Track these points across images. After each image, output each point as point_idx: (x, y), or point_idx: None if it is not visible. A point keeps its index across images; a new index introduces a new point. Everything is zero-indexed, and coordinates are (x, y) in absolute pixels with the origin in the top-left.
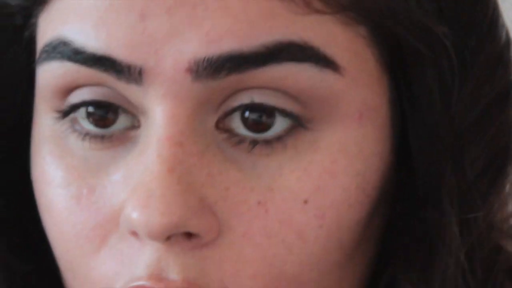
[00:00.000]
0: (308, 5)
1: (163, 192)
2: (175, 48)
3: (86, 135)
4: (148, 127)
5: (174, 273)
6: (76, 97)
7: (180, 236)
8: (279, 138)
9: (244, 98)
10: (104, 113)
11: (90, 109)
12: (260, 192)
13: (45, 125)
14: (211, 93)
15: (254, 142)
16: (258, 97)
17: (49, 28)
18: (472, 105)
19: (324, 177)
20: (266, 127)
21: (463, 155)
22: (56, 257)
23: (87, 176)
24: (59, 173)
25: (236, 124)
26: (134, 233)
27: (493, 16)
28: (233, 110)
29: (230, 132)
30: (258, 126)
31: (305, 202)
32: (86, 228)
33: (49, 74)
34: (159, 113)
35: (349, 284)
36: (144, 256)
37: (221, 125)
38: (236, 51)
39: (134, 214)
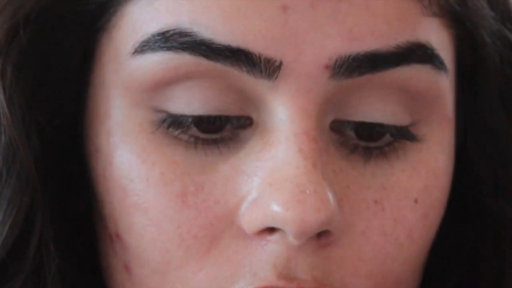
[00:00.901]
0: (430, 7)
1: (315, 187)
2: (317, 43)
3: (191, 136)
4: (273, 123)
5: (303, 273)
6: (182, 102)
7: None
8: (388, 144)
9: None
10: (212, 123)
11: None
12: (376, 190)
13: (132, 119)
14: (339, 92)
15: (356, 146)
16: (371, 109)
17: (154, 16)
18: None
19: (430, 177)
20: (376, 138)
21: None
22: (138, 261)
23: (192, 173)
24: (158, 169)
25: (347, 129)
26: (257, 233)
27: None
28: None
29: (341, 133)
30: (368, 137)
31: (416, 201)
32: (193, 228)
33: (155, 65)
34: (291, 108)
35: (418, 285)
36: (269, 256)
37: (333, 125)
38: (376, 51)
39: (286, 211)
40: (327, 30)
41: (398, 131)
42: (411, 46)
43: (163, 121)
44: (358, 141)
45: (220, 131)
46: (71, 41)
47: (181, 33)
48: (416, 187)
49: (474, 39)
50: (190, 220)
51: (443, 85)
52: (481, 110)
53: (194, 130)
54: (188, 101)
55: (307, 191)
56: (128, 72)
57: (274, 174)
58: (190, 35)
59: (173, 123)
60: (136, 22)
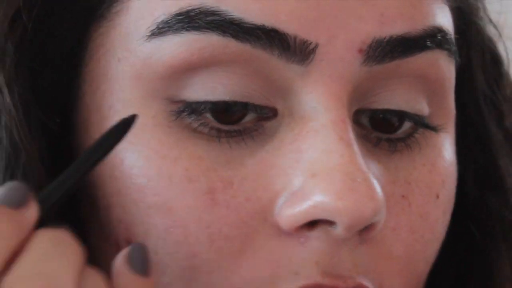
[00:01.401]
0: None
1: (364, 175)
2: (350, 26)
3: (212, 129)
4: (304, 112)
5: (346, 270)
6: (203, 88)
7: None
8: (409, 135)
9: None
10: (232, 112)
11: (213, 107)
12: (401, 185)
13: (144, 112)
14: (367, 80)
15: (379, 139)
16: (395, 96)
17: None
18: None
19: (447, 172)
20: (392, 130)
21: None
22: (156, 268)
23: (218, 168)
24: (181, 165)
25: (364, 120)
26: (296, 229)
27: None
28: (366, 110)
29: (360, 125)
30: (385, 128)
31: (437, 197)
32: (224, 227)
33: (176, 48)
34: (324, 95)
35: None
36: (310, 253)
37: (354, 117)
38: (406, 34)
39: (338, 201)
40: (360, 13)
41: (420, 120)
42: (434, 30)
43: (181, 111)
44: (381, 134)
45: (241, 121)
46: (63, 31)
47: (207, 12)
48: (437, 182)
49: (469, 35)
50: (220, 219)
51: (453, 75)
52: (465, 104)
53: (213, 122)
54: (212, 87)
55: (358, 179)
56: (141, 59)
57: (316, 165)
58: (217, 14)
59: (193, 113)
60: (150, 4)
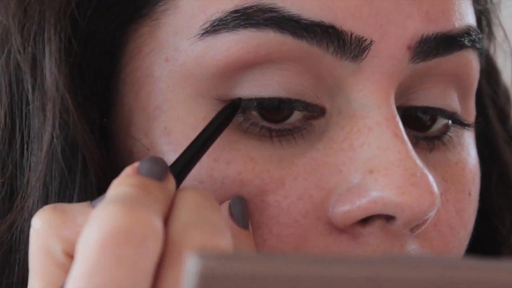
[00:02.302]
0: None
1: (422, 171)
2: (400, 24)
3: (262, 128)
4: (354, 110)
5: None
6: (257, 85)
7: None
8: (444, 133)
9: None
10: (281, 109)
11: (261, 105)
12: (439, 182)
13: (194, 113)
14: (411, 77)
15: (417, 138)
16: (431, 93)
17: None
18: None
19: (476, 169)
20: (426, 128)
21: None
22: None
23: (270, 169)
24: (234, 168)
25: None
26: (349, 226)
27: None
28: (402, 107)
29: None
30: (417, 126)
31: (469, 194)
32: (275, 227)
33: (232, 45)
34: (375, 92)
35: None
36: (364, 250)
37: None
38: (450, 32)
39: (401, 196)
40: (408, 11)
41: (455, 118)
42: (470, 29)
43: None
44: (416, 133)
45: (287, 120)
46: (101, 34)
47: (265, 9)
48: (469, 179)
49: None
50: (272, 219)
51: (478, 76)
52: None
53: (262, 121)
54: (265, 84)
55: (418, 174)
56: (192, 58)
57: (373, 161)
58: (275, 11)
59: (243, 111)
60: (201, 2)
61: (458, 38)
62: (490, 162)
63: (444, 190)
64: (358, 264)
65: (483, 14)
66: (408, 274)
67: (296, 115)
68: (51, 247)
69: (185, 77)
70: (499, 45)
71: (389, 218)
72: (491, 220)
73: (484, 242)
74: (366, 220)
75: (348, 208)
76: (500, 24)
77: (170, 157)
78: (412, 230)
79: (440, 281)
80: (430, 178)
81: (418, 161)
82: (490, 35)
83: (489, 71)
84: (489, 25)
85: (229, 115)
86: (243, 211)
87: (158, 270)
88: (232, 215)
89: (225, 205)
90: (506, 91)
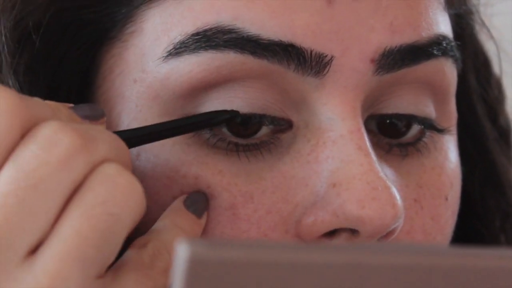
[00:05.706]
0: (445, 2)
1: (384, 183)
2: (362, 37)
3: (230, 143)
4: (320, 123)
5: None
6: (221, 104)
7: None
8: (418, 140)
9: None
10: (248, 124)
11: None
12: (413, 189)
13: None
14: (377, 88)
15: (390, 145)
16: (403, 101)
17: (188, 16)
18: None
19: (454, 174)
20: (401, 134)
21: None
22: None
23: (238, 182)
24: (203, 183)
25: (373, 126)
26: (317, 238)
27: None
28: (375, 116)
29: (369, 131)
30: (393, 133)
31: (446, 199)
32: None
33: (194, 67)
34: (339, 106)
35: None
36: None
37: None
38: (415, 42)
39: (361, 210)
40: (371, 23)
41: (429, 123)
42: (439, 38)
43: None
44: (391, 140)
45: (256, 135)
46: (74, 54)
47: (224, 31)
48: (446, 184)
49: (462, 38)
50: (243, 233)
51: (456, 80)
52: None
53: (230, 136)
54: (229, 100)
55: (379, 188)
56: (158, 80)
57: (336, 175)
58: (235, 32)
59: (210, 129)
60: (165, 25)
61: (425, 48)
62: (478, 161)
63: (418, 196)
64: (344, 251)
65: (463, 17)
66: (393, 261)
67: (264, 130)
68: None
69: (152, 97)
70: (484, 43)
71: (353, 231)
72: (480, 220)
73: (473, 242)
74: (333, 233)
75: (312, 221)
76: (484, 24)
77: (142, 177)
78: (380, 240)
79: (421, 267)
80: (393, 190)
81: (381, 174)
82: (475, 35)
83: (478, 68)
84: (472, 26)
85: (219, 116)
86: (198, 201)
87: None
88: (185, 201)
89: (183, 196)
90: (498, 83)
